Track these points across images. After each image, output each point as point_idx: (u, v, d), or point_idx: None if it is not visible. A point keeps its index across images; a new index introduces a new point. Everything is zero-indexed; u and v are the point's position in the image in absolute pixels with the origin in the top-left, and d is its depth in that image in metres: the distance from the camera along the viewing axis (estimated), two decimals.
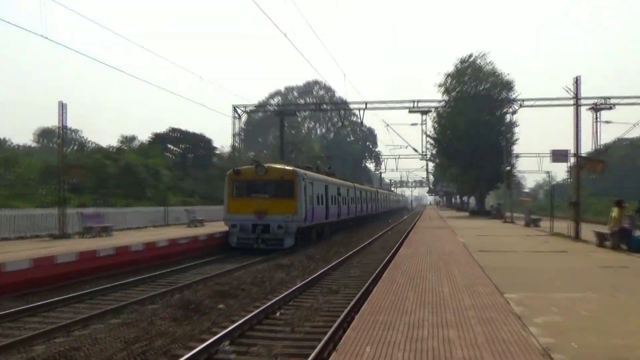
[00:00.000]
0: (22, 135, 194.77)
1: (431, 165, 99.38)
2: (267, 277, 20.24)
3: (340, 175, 54.42)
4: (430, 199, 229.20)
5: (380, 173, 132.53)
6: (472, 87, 65.19)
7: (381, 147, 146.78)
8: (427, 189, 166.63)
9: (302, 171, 35.15)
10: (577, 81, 28.57)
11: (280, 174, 33.48)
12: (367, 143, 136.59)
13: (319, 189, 37.18)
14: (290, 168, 34.85)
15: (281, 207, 32.51)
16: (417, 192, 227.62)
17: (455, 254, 20.00)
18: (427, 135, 66.11)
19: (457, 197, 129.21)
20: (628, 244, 22.59)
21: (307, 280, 19.32)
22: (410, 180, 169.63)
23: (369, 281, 18.64)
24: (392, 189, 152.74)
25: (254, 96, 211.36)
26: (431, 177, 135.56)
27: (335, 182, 43.17)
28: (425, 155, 69.68)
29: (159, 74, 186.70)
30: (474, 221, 49.85)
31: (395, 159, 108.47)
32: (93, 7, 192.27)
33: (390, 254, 24.88)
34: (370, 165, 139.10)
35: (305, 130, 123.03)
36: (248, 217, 32.36)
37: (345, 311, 14.18)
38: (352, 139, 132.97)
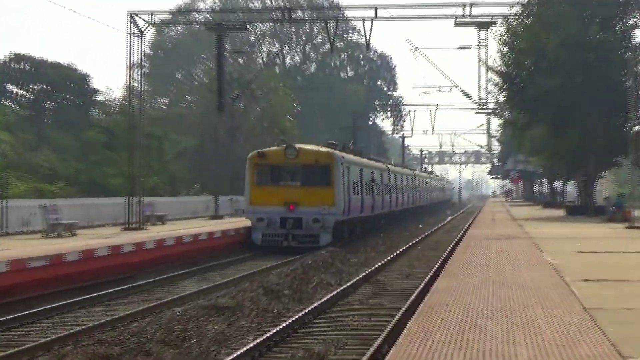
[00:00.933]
0: None
1: (496, 123, 64.43)
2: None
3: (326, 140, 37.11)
4: (494, 185, 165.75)
5: (403, 137, 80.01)
6: None
7: (404, 90, 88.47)
8: (490, 166, 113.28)
9: (339, 153, 30.78)
10: None
11: (315, 157, 29.09)
12: (379, 82, 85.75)
13: (354, 174, 31.83)
14: (326, 149, 30.41)
15: (316, 197, 28.26)
16: (471, 172, 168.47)
17: (539, 287, 12.57)
18: (490, 69, 39.18)
19: (544, 182, 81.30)
20: None
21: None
22: (457, 152, 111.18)
23: (380, 339, 10.88)
24: (426, 168, 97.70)
25: None
26: (496, 146, 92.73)
27: (369, 165, 36.41)
28: (485, 105, 38.87)
29: None
30: (575, 226, 31.49)
31: (429, 111, 62.45)
32: None
33: (424, 283, 17.15)
34: (384, 124, 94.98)
35: (263, 59, 71.30)
36: (275, 209, 28.13)
37: None
38: (350, 74, 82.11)
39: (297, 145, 29.70)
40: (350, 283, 17.67)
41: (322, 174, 28.67)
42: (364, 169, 34.09)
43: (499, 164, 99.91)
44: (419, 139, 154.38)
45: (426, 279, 17.71)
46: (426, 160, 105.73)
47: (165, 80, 64.41)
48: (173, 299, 15.76)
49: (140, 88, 32.99)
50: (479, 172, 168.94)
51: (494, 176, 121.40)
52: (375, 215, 36.97)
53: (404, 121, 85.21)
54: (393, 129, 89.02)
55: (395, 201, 42.94)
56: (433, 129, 70.45)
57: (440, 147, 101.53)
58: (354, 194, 31.20)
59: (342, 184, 29.16)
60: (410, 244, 29.49)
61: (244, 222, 30.09)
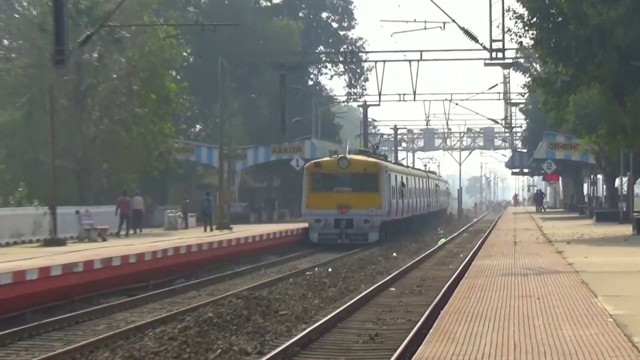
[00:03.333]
0: None
1: (519, 82, 40.88)
2: None
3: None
4: (517, 184, 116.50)
5: (365, 106, 57.94)
6: None
7: (366, 29, 60.03)
8: (509, 153, 78.33)
9: (384, 163, 38.33)
10: None
11: (363, 166, 35.85)
12: (324, 16, 61.45)
13: (393, 180, 38.45)
14: (373, 160, 37.64)
15: (365, 201, 34.84)
16: (479, 163, 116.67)
17: (592, 356, 8.21)
18: None
19: (599, 178, 56.54)
20: None
21: None
22: (454, 131, 77.48)
23: None
24: (403, 159, 71.32)
25: None
26: (519, 121, 67.22)
27: (400, 171, 43.05)
28: (501, 52, 30.15)
29: None
30: None
31: (408, 63, 42.45)
32: None
33: (398, 352, 11.67)
34: (334, 84, 74.92)
35: None
36: (330, 211, 34.63)
37: None
38: (276, 0, 58.72)
39: (348, 156, 36.35)
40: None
41: (370, 181, 35.41)
42: (397, 175, 40.52)
43: (524, 150, 69.67)
44: (391, 109, 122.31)
45: (403, 345, 12.06)
46: (403, 144, 76.04)
47: None
48: None
49: None
50: (491, 162, 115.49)
51: (515, 170, 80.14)
52: (404, 218, 42.66)
53: (366, 80, 61.96)
54: (348, 94, 63.24)
55: (416, 205, 46.27)
56: (415, 93, 47.54)
57: (427, 122, 68.25)
58: (393, 198, 37.99)
59: (388, 189, 36.18)
60: (377, 284, 20.74)
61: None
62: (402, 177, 41.60)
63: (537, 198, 72.60)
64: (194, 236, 31.15)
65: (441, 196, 65.84)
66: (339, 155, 35.99)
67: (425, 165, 76.25)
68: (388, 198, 36.13)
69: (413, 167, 57.55)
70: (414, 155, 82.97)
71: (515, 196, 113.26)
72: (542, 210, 67.68)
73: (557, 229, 34.74)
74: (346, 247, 33.13)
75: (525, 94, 43.64)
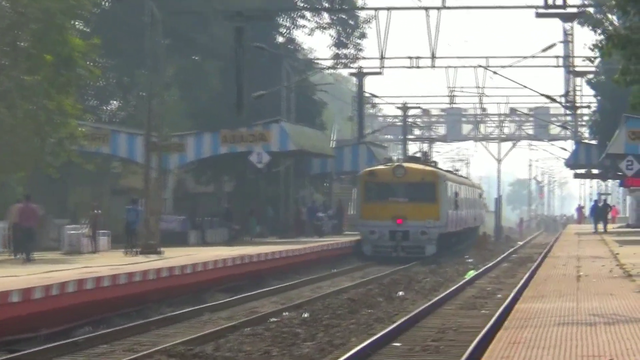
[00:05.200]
0: None
1: (585, 41, 45.51)
2: None
3: None
4: (582, 192, 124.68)
5: (360, 74, 63.84)
6: None
7: None
8: (572, 147, 78.95)
9: (442, 172, 51.34)
10: None
11: (421, 175, 48.04)
12: None
13: (450, 190, 50.88)
14: (430, 168, 50.54)
15: (422, 212, 46.42)
16: (528, 160, 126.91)
17: None
18: None
19: None
20: None
21: None
22: (489, 112, 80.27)
23: None
24: (418, 151, 72.59)
25: None
26: (588, 101, 69.47)
27: (456, 180, 57.52)
28: None
29: None
30: None
31: (425, 11, 47.26)
32: None
33: None
34: (315, 42, 75.85)
35: None
36: (385, 223, 46.41)
37: None
38: None
39: (405, 165, 48.74)
40: None
41: (427, 191, 47.30)
42: (452, 184, 52.62)
43: (593, 142, 70.19)
44: (398, 79, 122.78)
45: None
46: (416, 131, 78.27)
47: None
48: None
49: None
50: (545, 159, 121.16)
51: (580, 171, 79.58)
52: (458, 231, 55.51)
53: (362, 36, 62.13)
54: (336, 57, 63.05)
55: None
56: (434, 57, 51.18)
57: (452, 99, 70.34)
58: (449, 209, 49.92)
59: (446, 200, 48.27)
60: (375, 337, 20.84)
61: None
62: (455, 187, 53.87)
63: (598, 212, 69.87)
64: (107, 263, 31.12)
65: (477, 208, 68.54)
66: (395, 164, 47.68)
67: (453, 165, 76.15)
68: (446, 209, 48.17)
69: (457, 174, 68.04)
70: (430, 148, 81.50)
71: (580, 209, 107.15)
72: (604, 229, 66.05)
73: None
74: (401, 260, 44.59)
75: (595, 58, 43.87)
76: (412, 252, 45.58)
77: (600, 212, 69.86)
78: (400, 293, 32.02)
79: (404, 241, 45.85)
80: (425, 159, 55.82)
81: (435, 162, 59.24)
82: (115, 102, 61.48)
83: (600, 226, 65.94)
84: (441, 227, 46.52)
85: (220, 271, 33.88)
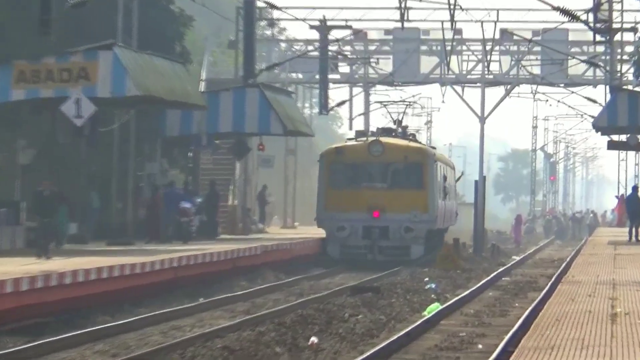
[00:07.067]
0: None
1: None
2: None
3: None
4: (617, 176, 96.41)
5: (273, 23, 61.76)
6: None
7: None
8: (601, 96, 61.73)
9: (431, 149, 45.40)
10: None
11: (404, 154, 41.53)
12: None
13: (439, 174, 44.44)
14: (416, 144, 44.50)
15: (406, 202, 40.29)
16: (549, 122, 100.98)
17: None
18: None
19: None
20: None
21: None
22: (465, 38, 63.32)
23: None
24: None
25: None
26: (631, 19, 54.31)
27: (443, 160, 50.35)
28: None
29: None
30: None
31: None
32: None
33: None
34: None
35: None
36: (357, 215, 40.13)
37: None
38: None
39: (383, 140, 41.59)
40: None
41: (413, 174, 41.71)
42: (441, 165, 46.49)
43: (638, 88, 55.77)
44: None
45: None
46: (343, 68, 63.73)
47: None
48: None
49: None
50: (558, 117, 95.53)
51: (618, 138, 57.92)
52: (445, 229, 50.79)
53: None
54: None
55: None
56: None
57: (404, 15, 53.21)
58: (439, 199, 44.01)
59: (436, 186, 42.34)
60: None
61: None
62: (443, 168, 46.79)
63: (635, 207, 51.87)
64: None
65: (451, 199, 57.04)
66: (370, 139, 40.81)
67: (399, 122, 56.46)
68: (436, 198, 41.71)
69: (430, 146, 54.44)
70: (366, 96, 66.05)
71: (620, 201, 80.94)
72: (636, 236, 49.68)
73: None
74: (379, 265, 37.82)
75: None
76: (392, 255, 39.44)
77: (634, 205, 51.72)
78: (313, 339, 22.80)
79: (383, 240, 39.61)
80: (404, 131, 47.25)
81: (413, 135, 50.86)
82: None
83: None
84: (430, 222, 40.58)
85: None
